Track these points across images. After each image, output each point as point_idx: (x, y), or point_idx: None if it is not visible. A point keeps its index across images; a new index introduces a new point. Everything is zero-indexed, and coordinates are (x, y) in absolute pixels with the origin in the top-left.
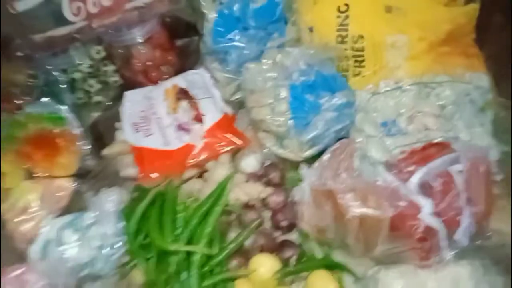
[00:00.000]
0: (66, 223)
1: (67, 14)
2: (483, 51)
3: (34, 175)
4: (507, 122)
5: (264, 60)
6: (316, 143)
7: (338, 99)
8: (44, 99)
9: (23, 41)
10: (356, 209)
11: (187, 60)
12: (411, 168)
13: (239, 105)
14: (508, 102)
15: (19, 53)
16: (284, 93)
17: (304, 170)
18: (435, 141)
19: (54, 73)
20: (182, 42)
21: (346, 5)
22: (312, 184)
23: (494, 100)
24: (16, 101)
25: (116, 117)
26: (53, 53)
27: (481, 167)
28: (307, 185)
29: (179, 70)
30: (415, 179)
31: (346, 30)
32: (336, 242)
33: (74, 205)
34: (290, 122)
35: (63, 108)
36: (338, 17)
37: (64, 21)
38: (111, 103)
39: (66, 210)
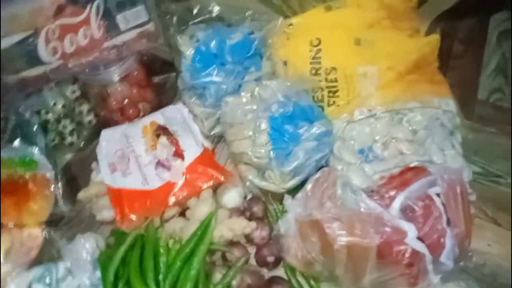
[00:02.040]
0: (36, 277)
1: (43, 54)
2: (447, 78)
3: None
4: (475, 143)
5: (242, 94)
6: (298, 173)
7: (317, 129)
8: (15, 143)
9: None
10: (344, 238)
11: (164, 96)
12: (391, 193)
13: (218, 139)
14: (474, 124)
15: None
16: (264, 125)
17: (288, 201)
18: (412, 165)
19: (26, 115)
20: (158, 79)
21: (318, 39)
22: (297, 216)
23: (462, 123)
24: None
25: (91, 158)
26: (25, 94)
27: (458, 188)
28: (292, 217)
29: (156, 106)
30: (396, 204)
31: (319, 62)
32: (323, 275)
33: (46, 256)
34: (271, 153)
35: (35, 151)
36: (311, 50)
37: (38, 61)
38: (85, 143)
39: (37, 262)
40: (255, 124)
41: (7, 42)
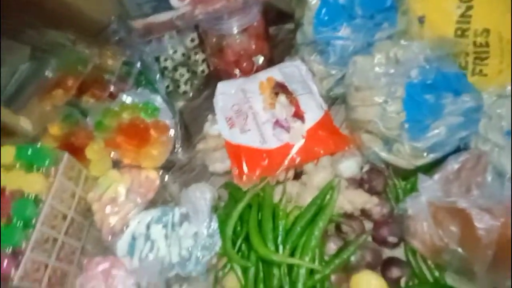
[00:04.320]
0: (155, 218)
1: None
2: None
3: (121, 165)
4: None
5: (376, 54)
6: (434, 151)
7: (465, 102)
8: (139, 89)
9: (121, 26)
10: (496, 234)
11: (274, 50)
12: None
13: (332, 101)
14: None
15: (115, 38)
16: (399, 91)
17: (425, 182)
18: None
19: (149, 61)
20: (270, 31)
21: None
22: (434, 199)
23: None
24: (110, 88)
25: (201, 108)
26: (147, 41)
27: None
28: (425, 199)
29: (270, 61)
30: None
31: (468, 22)
32: (452, 266)
33: (160, 199)
34: (405, 124)
35: (158, 98)
36: (459, 7)
37: (167, 6)
38: (195, 93)
39: (152, 204)
40: (388, 90)
41: None
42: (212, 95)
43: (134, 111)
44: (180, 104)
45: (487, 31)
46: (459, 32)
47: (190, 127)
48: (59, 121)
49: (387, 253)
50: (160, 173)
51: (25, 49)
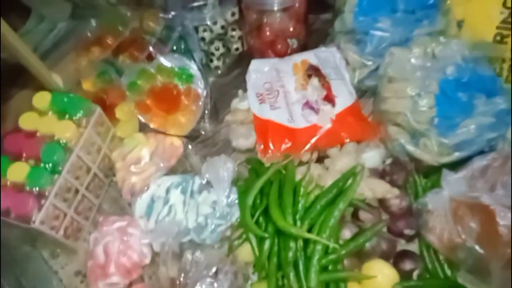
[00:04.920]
0: (175, 183)
1: None
2: None
3: (147, 129)
4: None
5: (414, 48)
6: (461, 149)
7: (497, 104)
8: (177, 55)
9: None
10: None
11: (310, 38)
12: None
13: (361, 94)
14: None
15: (158, 1)
16: (433, 86)
17: (449, 177)
18: None
19: (189, 28)
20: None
21: None
22: (457, 194)
23: None
24: (149, 49)
25: (230, 86)
26: (190, 8)
27: None
28: (447, 194)
29: (303, 46)
30: None
31: (509, 28)
32: (466, 264)
33: (180, 167)
34: (435, 120)
35: (194, 65)
36: (502, 13)
37: None
38: (225, 70)
39: (172, 172)
40: (422, 83)
41: None
42: (242, 74)
43: (169, 75)
44: (209, 79)
45: None
46: (498, 38)
47: (218, 103)
48: (93, 77)
49: (401, 246)
50: (184, 141)
51: (67, 7)
